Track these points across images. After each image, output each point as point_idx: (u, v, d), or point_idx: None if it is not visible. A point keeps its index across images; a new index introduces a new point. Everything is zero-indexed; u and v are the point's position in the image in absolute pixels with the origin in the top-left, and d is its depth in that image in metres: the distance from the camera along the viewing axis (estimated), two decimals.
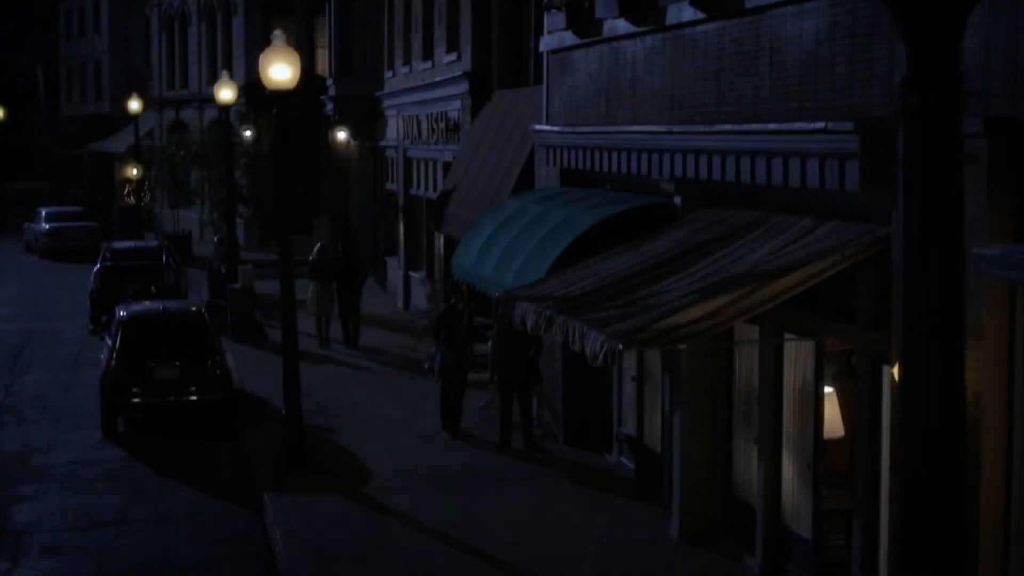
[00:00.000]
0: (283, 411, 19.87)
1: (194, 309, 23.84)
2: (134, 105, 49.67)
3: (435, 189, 30.15)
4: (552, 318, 13.13)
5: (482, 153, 25.21)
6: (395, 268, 36.44)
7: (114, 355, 22.10)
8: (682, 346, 12.08)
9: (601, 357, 11.50)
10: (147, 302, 25.83)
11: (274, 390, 23.98)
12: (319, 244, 30.69)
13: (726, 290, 11.80)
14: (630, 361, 18.78)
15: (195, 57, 54.99)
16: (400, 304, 34.78)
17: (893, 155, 11.08)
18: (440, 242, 30.61)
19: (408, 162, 34.18)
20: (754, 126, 13.21)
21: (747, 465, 15.53)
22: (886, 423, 12.46)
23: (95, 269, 33.98)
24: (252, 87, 45.63)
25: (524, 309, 14.17)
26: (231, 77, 34.63)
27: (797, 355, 14.42)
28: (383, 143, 37.20)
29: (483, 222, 19.96)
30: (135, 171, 57.32)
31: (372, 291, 36.83)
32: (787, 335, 14.53)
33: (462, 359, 21.23)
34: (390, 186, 37.24)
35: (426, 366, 22.17)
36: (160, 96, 58.29)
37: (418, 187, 33.57)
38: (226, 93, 32.47)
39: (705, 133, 14.38)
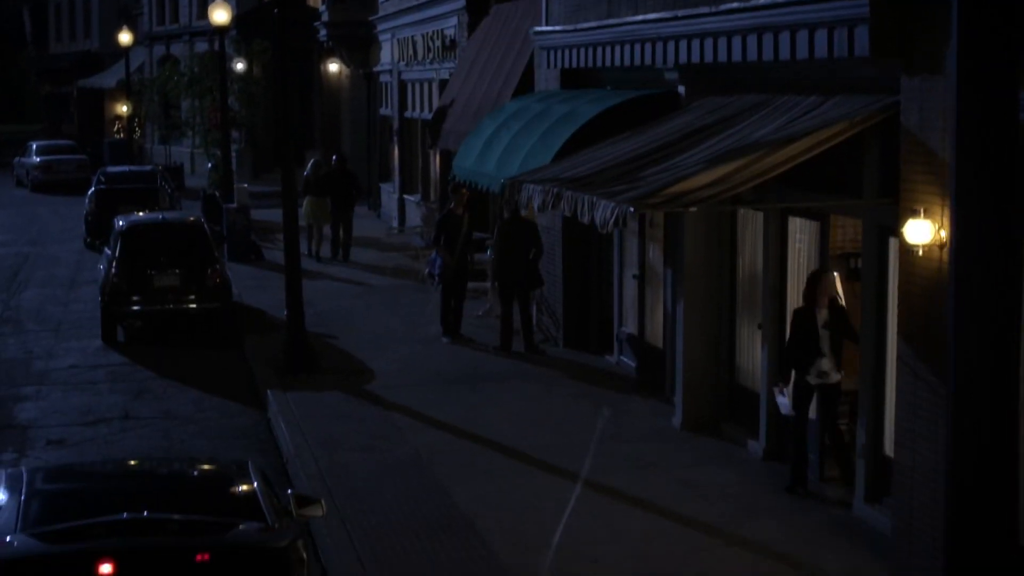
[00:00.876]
0: (283, 319, 19.96)
1: (192, 219, 23.82)
2: (124, 38, 49.39)
3: (430, 110, 30.04)
4: (560, 194, 13.15)
5: (479, 67, 25.14)
6: (389, 193, 36.39)
7: (114, 264, 22.09)
8: (693, 209, 12.09)
9: (612, 222, 11.51)
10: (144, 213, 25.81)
11: (272, 304, 24.11)
12: (313, 159, 30.77)
13: (735, 158, 11.82)
14: (632, 259, 18.85)
15: None
16: (395, 228, 34.74)
17: (901, 18, 11.12)
18: (436, 162, 30.57)
19: (403, 85, 34.07)
20: (761, 0, 13.19)
21: (750, 352, 15.61)
22: (892, 295, 12.51)
23: (90, 192, 33.93)
24: (244, 17, 45.36)
25: (531, 190, 14.19)
26: None
27: (802, 237, 14.48)
28: (377, 68, 37.05)
29: (484, 124, 19.94)
30: (125, 108, 57.06)
31: (366, 217, 36.84)
32: (792, 218, 14.60)
33: (462, 264, 21.25)
34: (384, 111, 37.13)
35: (426, 271, 22.22)
36: (150, 31, 57.95)
37: (413, 110, 33.47)
38: (220, 15, 32.28)
39: (711, 15, 14.35)
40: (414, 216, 33.28)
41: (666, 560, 12.04)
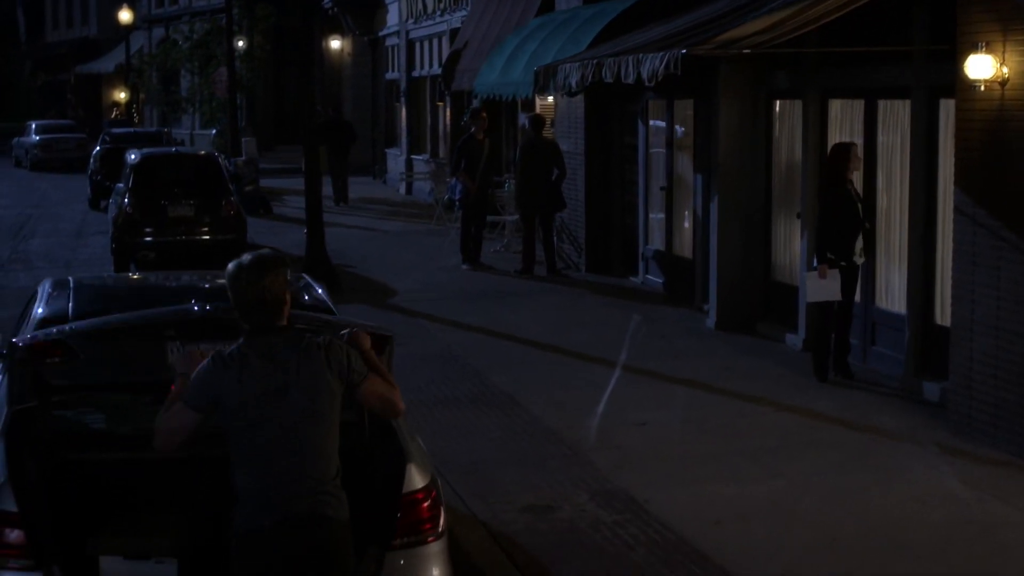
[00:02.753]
0: (297, 256, 19.70)
1: (205, 152, 23.50)
2: (124, 16, 49.09)
3: (440, 64, 29.79)
4: (601, 63, 12.86)
5: (493, 6, 24.87)
6: (396, 156, 36.09)
7: (126, 195, 21.75)
8: (746, 51, 11.78)
9: (662, 69, 11.20)
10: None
11: (284, 245, 23.81)
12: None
13: (787, 7, 11.53)
14: (658, 174, 18.59)
15: None
16: (402, 190, 34.47)
17: None
18: (446, 116, 30.33)
19: (411, 44, 33.80)
20: None
21: (787, 246, 15.33)
22: (944, 159, 12.26)
23: (94, 151, 33.52)
24: (244, 4, 45.00)
25: (567, 70, 13.90)
26: None
27: (843, 118, 14.21)
28: (383, 32, 36.77)
29: (506, 41, 19.65)
30: (123, 94, 56.68)
31: (371, 185, 36.64)
32: (832, 101, 14.33)
33: (483, 190, 20.91)
34: (390, 75, 36.86)
35: (446, 196, 21.94)
36: (149, 14, 57.58)
37: (421, 68, 33.23)
38: None
39: None
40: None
41: (715, 421, 11.75)
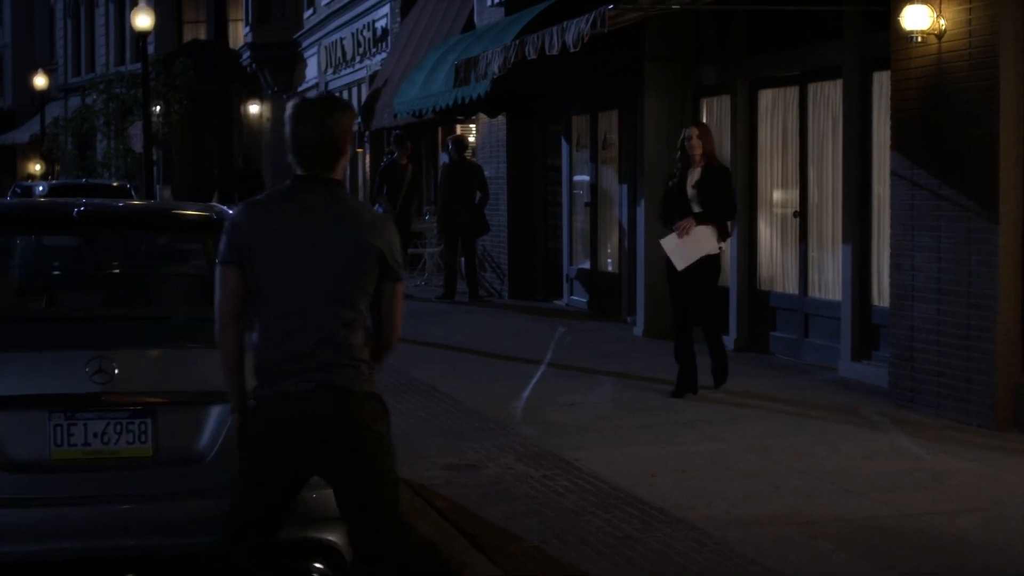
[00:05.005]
0: None
1: (117, 184, 22.87)
2: (39, 81, 48.31)
3: (359, 112, 29.33)
4: (523, 40, 12.40)
5: (414, 42, 24.43)
6: None
7: None
8: (676, 7, 11.36)
9: (588, 29, 10.74)
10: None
11: None
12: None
13: None
14: (583, 191, 18.17)
15: (102, 40, 53.55)
16: None
17: None
18: (365, 163, 29.83)
19: None
20: None
21: None
22: (878, 138, 11.91)
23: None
24: (161, 60, 44.45)
25: (488, 57, 13.42)
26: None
27: (774, 108, 13.88)
28: (303, 87, 36.31)
29: (427, 57, 19.19)
30: (38, 166, 55.65)
31: None
32: (763, 91, 14.01)
33: (404, 215, 20.32)
34: None
35: None
36: (65, 83, 56.78)
37: None
38: (143, 20, 31.50)
39: None
40: None
41: (647, 403, 11.23)
